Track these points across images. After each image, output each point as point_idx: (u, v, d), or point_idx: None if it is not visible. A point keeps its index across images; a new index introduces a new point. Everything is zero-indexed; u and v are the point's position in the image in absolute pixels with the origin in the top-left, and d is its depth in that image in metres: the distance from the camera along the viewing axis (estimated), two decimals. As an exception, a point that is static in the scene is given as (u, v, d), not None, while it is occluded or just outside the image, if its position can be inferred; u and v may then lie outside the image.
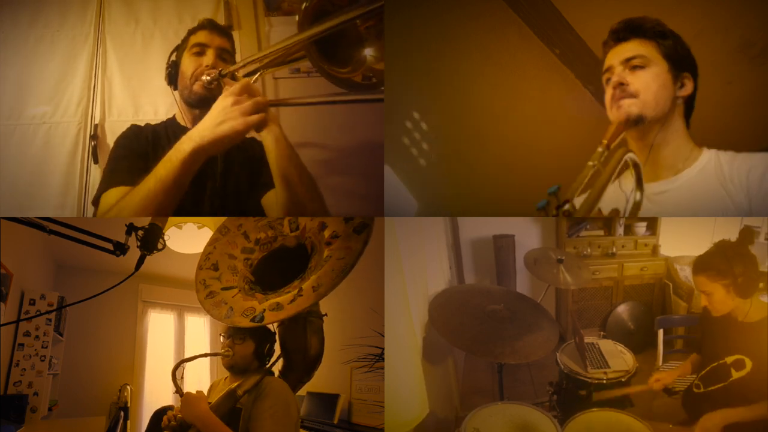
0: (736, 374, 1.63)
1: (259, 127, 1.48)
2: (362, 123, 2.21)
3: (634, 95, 1.43)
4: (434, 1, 1.78)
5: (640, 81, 1.44)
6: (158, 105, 2.24)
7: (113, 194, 1.57)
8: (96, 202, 1.64)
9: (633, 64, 1.45)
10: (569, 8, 1.70)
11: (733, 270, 1.57)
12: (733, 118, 1.58)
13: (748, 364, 1.60)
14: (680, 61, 1.47)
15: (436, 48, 1.77)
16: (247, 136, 1.96)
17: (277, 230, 1.51)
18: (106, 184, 1.62)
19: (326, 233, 1.38)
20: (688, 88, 1.47)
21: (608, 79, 1.47)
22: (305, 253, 1.42)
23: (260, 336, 1.59)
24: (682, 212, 1.54)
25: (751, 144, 1.50)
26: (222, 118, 1.41)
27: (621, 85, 1.43)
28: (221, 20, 2.31)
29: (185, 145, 1.40)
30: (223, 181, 1.76)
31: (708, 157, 1.47)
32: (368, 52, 1.57)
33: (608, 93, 1.48)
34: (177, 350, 4.35)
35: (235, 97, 1.44)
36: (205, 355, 1.71)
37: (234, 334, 1.57)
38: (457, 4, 1.76)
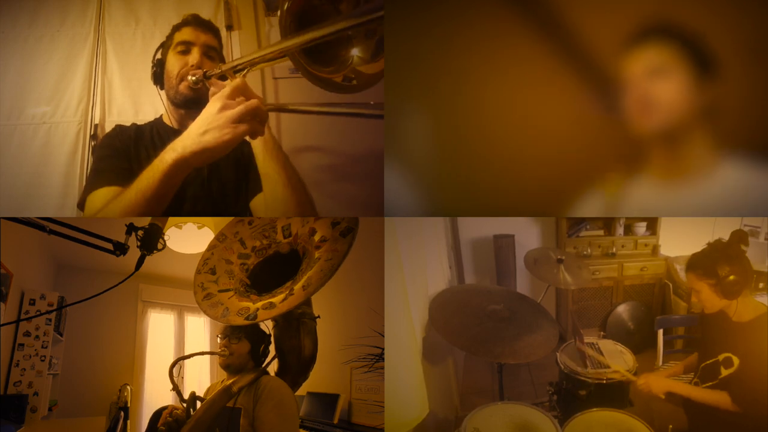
0: (724, 372, 1.65)
1: (254, 134, 1.30)
2: (363, 125, 2.22)
3: (659, 110, 1.45)
4: (436, 1, 1.78)
5: (664, 93, 1.46)
6: (158, 105, 2.23)
7: (98, 196, 1.54)
8: (81, 204, 1.60)
9: (656, 73, 1.48)
10: (572, 8, 1.70)
11: (717, 271, 1.59)
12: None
13: (735, 361, 1.61)
14: (704, 63, 1.49)
15: (437, 48, 1.76)
16: None
17: (271, 238, 1.56)
18: (90, 186, 1.59)
19: (316, 238, 1.44)
20: (713, 90, 1.49)
21: (630, 88, 1.49)
22: (297, 257, 1.48)
23: (256, 336, 1.62)
24: (682, 212, 1.55)
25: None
26: (206, 126, 1.24)
27: (645, 99, 1.45)
28: (221, 20, 2.31)
29: (168, 155, 1.28)
30: (208, 185, 1.71)
31: (729, 160, 1.50)
32: (355, 53, 1.48)
33: (632, 106, 1.51)
34: (177, 350, 4.35)
35: (224, 101, 1.26)
36: (203, 353, 1.76)
37: (231, 334, 1.60)
38: (458, 7, 1.76)
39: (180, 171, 1.29)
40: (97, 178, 1.60)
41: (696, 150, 1.54)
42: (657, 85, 1.48)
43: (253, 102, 1.27)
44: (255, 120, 1.27)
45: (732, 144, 1.54)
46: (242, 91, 1.30)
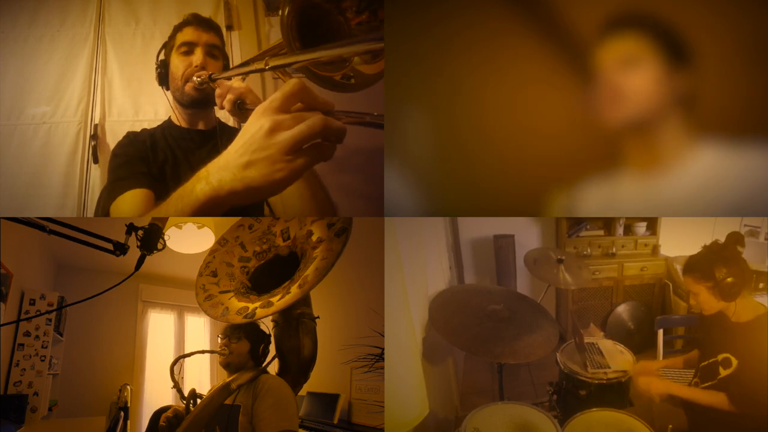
0: (723, 372, 1.65)
1: (318, 161, 0.87)
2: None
3: (628, 100, 1.45)
4: (436, 1, 1.78)
5: (634, 82, 1.46)
6: (158, 105, 2.24)
7: (123, 201, 1.55)
8: (106, 213, 1.61)
9: (626, 63, 1.47)
10: (572, 8, 1.70)
11: (714, 274, 1.59)
12: (739, 114, 1.60)
13: (734, 362, 1.61)
14: (677, 53, 1.49)
15: (437, 48, 1.76)
16: (231, 122, 1.90)
17: (271, 242, 1.59)
18: (112, 194, 1.59)
19: (313, 239, 1.47)
20: (686, 79, 1.49)
21: (601, 77, 1.50)
22: (296, 259, 1.51)
23: (255, 336, 1.63)
24: (682, 212, 1.55)
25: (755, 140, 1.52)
26: (250, 155, 0.85)
27: (615, 89, 1.45)
28: (221, 20, 2.31)
29: (199, 188, 0.93)
30: None
31: (707, 150, 1.49)
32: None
33: (602, 95, 1.51)
34: (177, 350, 4.34)
35: (274, 119, 0.84)
36: (203, 351, 1.77)
37: (231, 333, 1.62)
38: (458, 7, 1.76)
39: (212, 210, 0.95)
40: (117, 184, 1.60)
41: (675, 140, 1.53)
42: (630, 75, 1.48)
43: (319, 120, 0.83)
44: (323, 145, 0.86)
45: (721, 136, 1.54)
46: (299, 98, 0.87)
